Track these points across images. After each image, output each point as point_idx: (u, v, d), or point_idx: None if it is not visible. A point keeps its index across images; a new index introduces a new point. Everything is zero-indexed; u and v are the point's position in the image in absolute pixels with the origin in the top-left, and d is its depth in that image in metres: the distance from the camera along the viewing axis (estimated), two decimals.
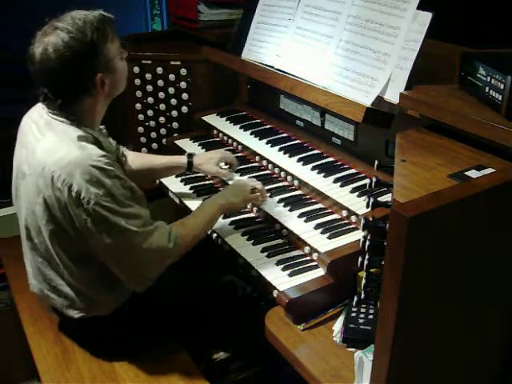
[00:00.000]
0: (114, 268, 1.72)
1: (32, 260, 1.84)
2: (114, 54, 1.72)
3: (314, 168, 2.12)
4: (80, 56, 1.62)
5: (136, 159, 2.23)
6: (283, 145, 2.32)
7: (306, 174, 2.11)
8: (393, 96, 1.85)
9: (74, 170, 1.60)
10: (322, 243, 1.81)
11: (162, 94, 2.71)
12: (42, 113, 1.75)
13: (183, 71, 2.66)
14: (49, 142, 1.68)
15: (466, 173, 1.38)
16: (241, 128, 2.51)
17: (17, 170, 1.81)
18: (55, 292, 1.82)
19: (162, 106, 2.73)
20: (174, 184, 2.36)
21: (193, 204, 2.19)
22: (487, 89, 1.53)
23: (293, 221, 1.95)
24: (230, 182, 2.23)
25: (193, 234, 1.85)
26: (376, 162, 1.74)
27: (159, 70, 2.68)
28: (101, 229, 1.63)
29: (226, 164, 2.31)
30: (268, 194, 2.08)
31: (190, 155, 2.27)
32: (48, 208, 1.68)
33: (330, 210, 1.98)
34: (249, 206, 2.11)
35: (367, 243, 1.50)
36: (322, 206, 2.01)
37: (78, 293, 1.79)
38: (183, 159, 2.26)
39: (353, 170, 2.10)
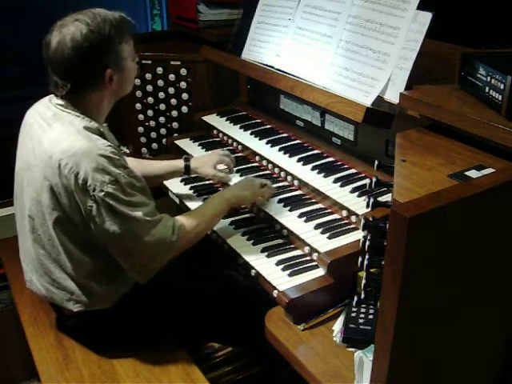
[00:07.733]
0: (117, 257, 1.74)
1: (34, 253, 1.84)
2: (127, 54, 1.80)
3: (314, 168, 2.12)
4: (95, 48, 1.69)
5: (133, 165, 2.21)
6: (283, 145, 2.32)
7: (306, 173, 2.11)
8: (393, 96, 1.85)
9: (81, 159, 1.64)
10: (322, 243, 1.81)
11: (162, 94, 2.71)
12: (49, 105, 1.79)
13: (183, 71, 2.66)
14: (56, 132, 1.72)
15: (466, 173, 1.38)
16: (241, 128, 2.51)
17: (21, 162, 1.84)
18: (55, 285, 1.83)
19: (162, 106, 2.73)
20: (173, 184, 2.35)
21: (193, 204, 2.19)
22: (487, 89, 1.53)
23: (293, 221, 1.95)
24: (230, 183, 2.23)
25: (197, 229, 1.86)
26: (376, 162, 1.74)
27: (159, 69, 2.68)
28: (105, 216, 1.66)
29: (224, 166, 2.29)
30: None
31: (187, 159, 2.27)
32: (55, 196, 1.71)
33: (330, 210, 1.98)
34: (249, 206, 2.11)
35: (367, 243, 1.50)
36: (322, 206, 2.01)
37: (78, 285, 1.80)
38: (180, 163, 2.26)
39: (353, 170, 2.10)
